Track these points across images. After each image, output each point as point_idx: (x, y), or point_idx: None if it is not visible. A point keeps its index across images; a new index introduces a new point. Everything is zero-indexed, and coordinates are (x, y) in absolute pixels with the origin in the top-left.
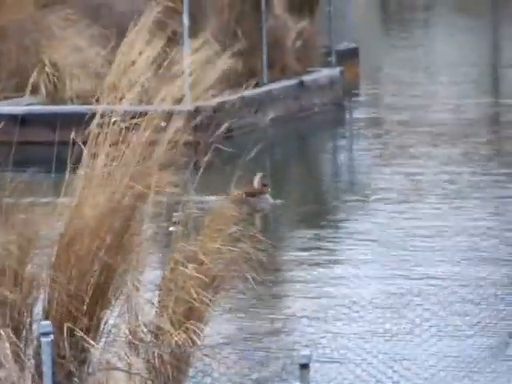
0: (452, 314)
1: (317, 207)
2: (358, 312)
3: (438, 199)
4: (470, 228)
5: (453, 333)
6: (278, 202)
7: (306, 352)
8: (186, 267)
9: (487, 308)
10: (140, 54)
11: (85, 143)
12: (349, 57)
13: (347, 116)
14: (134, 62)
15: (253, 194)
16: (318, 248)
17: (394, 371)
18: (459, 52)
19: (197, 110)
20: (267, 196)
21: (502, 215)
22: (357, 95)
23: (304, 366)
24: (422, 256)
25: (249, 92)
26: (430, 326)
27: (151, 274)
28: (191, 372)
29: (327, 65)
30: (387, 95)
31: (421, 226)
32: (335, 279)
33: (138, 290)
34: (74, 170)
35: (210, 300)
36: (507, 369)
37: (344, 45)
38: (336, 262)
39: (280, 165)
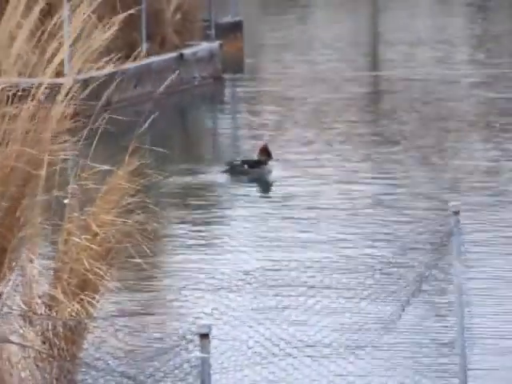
0: (341, 288)
1: (200, 178)
2: (250, 284)
3: (312, 180)
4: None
5: (343, 305)
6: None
7: (205, 322)
8: (80, 238)
9: (377, 282)
10: (17, 26)
11: None
12: (231, 30)
13: (226, 90)
14: (11, 35)
15: (254, 165)
16: (210, 220)
17: (287, 343)
18: (339, 32)
19: (77, 83)
20: (269, 166)
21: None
22: (238, 69)
23: (204, 336)
24: (305, 229)
25: (128, 65)
26: (323, 297)
27: (46, 246)
28: (85, 344)
29: (207, 38)
30: (269, 70)
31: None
32: (229, 251)
33: (32, 261)
34: None
35: (105, 272)
36: (400, 341)
37: (227, 18)
38: (230, 235)
39: (160, 137)
